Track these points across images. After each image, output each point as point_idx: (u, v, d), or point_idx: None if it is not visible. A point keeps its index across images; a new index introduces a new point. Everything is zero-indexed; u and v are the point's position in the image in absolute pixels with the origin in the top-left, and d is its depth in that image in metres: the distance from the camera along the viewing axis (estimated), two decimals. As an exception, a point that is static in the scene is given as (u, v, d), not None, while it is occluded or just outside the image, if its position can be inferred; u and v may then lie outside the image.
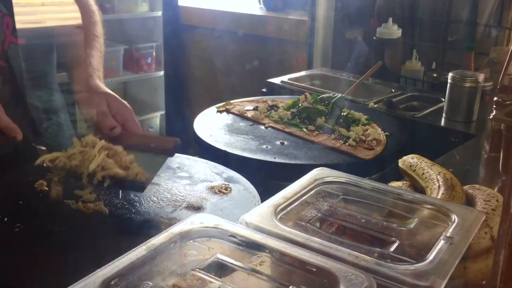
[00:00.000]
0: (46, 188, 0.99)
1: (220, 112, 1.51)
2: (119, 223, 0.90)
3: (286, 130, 1.37)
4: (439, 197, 0.84)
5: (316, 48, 2.30)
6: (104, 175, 0.92)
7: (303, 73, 2.10)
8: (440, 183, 0.88)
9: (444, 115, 1.59)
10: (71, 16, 1.44)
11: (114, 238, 0.85)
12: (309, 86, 1.88)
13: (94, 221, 0.90)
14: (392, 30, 1.98)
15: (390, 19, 1.98)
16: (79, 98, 1.12)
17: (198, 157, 1.19)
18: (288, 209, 0.75)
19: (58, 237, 0.85)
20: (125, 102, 1.09)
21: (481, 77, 1.54)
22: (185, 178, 1.06)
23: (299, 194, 0.79)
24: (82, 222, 0.90)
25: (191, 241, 0.67)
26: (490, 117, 1.21)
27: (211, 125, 1.40)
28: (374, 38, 2.02)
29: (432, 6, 2.04)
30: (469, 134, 1.49)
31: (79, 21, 1.31)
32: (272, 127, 1.40)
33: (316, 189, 0.82)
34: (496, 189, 0.99)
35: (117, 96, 1.10)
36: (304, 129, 1.36)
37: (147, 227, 0.88)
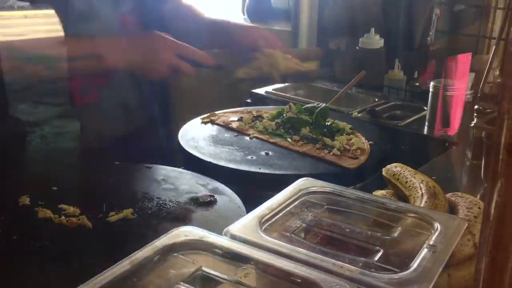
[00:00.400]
0: (29, 203, 0.98)
1: (205, 123, 1.51)
2: (102, 237, 0.89)
3: (271, 140, 1.38)
4: (422, 205, 0.85)
5: (300, 58, 2.31)
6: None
7: (287, 83, 2.10)
8: (423, 191, 0.89)
9: (426, 123, 1.61)
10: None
11: (97, 253, 0.84)
12: (293, 96, 1.88)
13: (77, 236, 0.89)
14: (374, 40, 2.01)
15: (372, 29, 2.00)
16: None
17: (183, 168, 1.19)
18: (273, 220, 0.76)
19: (40, 252, 0.83)
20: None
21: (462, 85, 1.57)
22: (170, 190, 1.06)
23: (283, 205, 0.79)
24: (65, 236, 0.89)
25: (175, 254, 0.66)
26: (471, 125, 1.23)
27: (195, 136, 1.40)
28: (357, 48, 2.05)
29: (413, 16, 2.07)
30: (452, 142, 1.51)
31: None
32: (257, 138, 1.40)
33: (300, 199, 0.82)
34: (478, 197, 1.00)
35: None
36: (289, 139, 1.37)
37: (131, 240, 0.88)
